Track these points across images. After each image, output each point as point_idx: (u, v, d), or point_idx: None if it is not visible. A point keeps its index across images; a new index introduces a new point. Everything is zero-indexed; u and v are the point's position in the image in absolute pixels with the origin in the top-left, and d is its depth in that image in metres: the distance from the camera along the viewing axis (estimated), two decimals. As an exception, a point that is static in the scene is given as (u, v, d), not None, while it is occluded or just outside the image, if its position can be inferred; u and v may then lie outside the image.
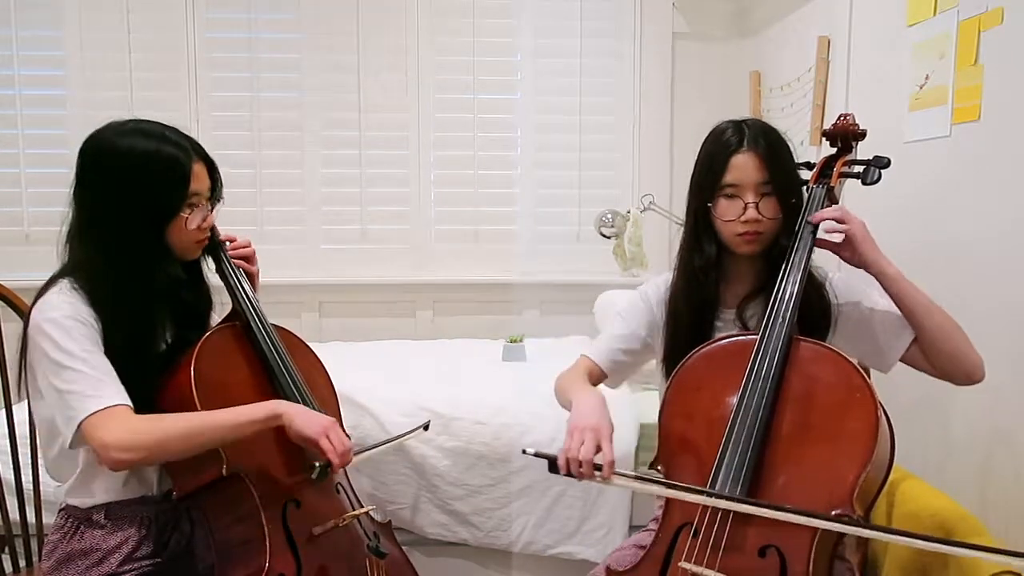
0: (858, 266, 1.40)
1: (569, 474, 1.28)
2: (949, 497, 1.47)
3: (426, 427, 1.77)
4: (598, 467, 1.27)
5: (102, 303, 1.39)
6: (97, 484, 1.43)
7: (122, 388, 1.36)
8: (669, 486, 1.29)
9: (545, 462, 1.30)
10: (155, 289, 1.44)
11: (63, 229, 1.45)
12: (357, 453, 1.53)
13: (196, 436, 1.34)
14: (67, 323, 1.35)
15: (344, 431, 1.50)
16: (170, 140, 1.44)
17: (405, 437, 1.76)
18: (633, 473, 1.29)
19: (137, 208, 1.41)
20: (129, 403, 1.35)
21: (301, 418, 1.40)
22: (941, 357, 1.39)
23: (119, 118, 1.47)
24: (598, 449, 1.28)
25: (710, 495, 1.24)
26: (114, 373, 1.36)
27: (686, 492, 1.26)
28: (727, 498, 1.23)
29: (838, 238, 1.39)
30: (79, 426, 1.31)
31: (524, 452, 1.36)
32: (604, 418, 1.34)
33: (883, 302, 1.45)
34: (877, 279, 1.39)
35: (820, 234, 1.42)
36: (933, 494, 1.48)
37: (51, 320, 1.35)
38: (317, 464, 1.41)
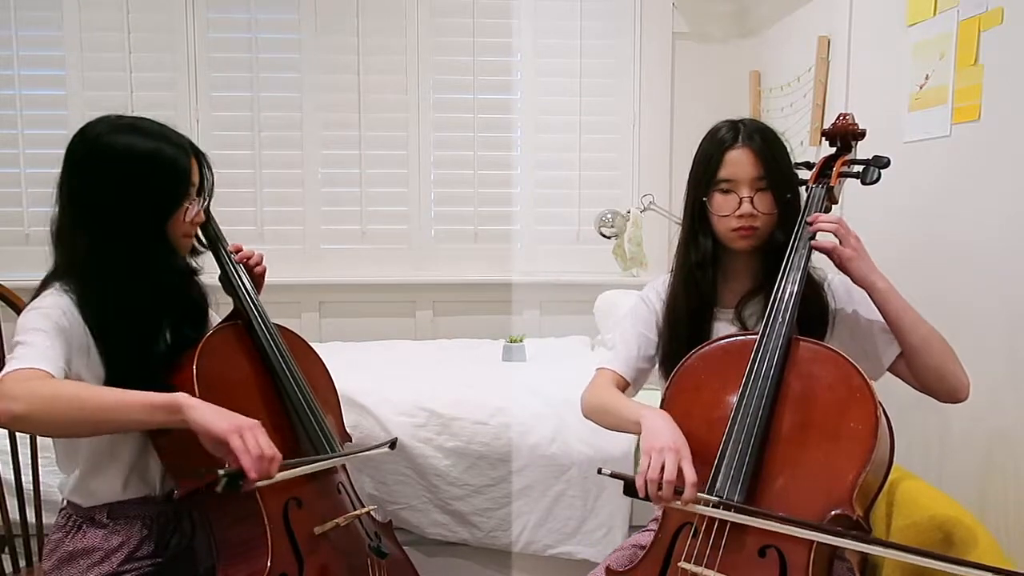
0: (851, 278, 1.39)
1: (647, 497, 1.24)
2: (949, 497, 1.47)
3: (392, 445, 1.68)
4: (678, 490, 1.23)
5: (98, 302, 1.39)
6: (99, 483, 1.43)
7: (54, 359, 1.29)
8: (754, 513, 1.22)
9: (622, 483, 1.27)
10: (158, 284, 1.44)
11: (51, 227, 1.44)
12: (295, 466, 1.40)
13: (80, 404, 1.22)
14: (41, 311, 1.35)
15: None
16: (169, 139, 1.44)
17: (366, 453, 1.72)
18: (715, 498, 1.23)
19: (138, 205, 1.41)
20: (47, 369, 1.26)
21: (206, 413, 1.22)
22: (927, 373, 1.39)
23: (108, 114, 1.46)
24: (679, 471, 1.24)
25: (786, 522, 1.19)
26: (56, 349, 1.30)
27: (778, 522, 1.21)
28: (765, 516, 1.21)
29: (830, 242, 1.38)
30: None
31: (600, 472, 1.31)
32: (682, 438, 1.29)
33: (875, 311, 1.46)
34: (868, 293, 1.38)
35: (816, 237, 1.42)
36: (932, 494, 1.48)
37: (29, 309, 1.36)
38: (222, 471, 1.20)
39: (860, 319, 1.47)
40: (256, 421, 1.26)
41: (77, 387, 1.28)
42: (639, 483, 1.25)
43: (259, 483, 1.23)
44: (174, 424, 1.24)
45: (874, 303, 1.39)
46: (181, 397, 1.24)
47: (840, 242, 1.37)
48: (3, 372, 1.26)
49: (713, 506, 1.25)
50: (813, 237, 1.41)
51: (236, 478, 1.20)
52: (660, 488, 1.23)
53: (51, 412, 1.21)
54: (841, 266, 1.38)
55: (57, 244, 1.44)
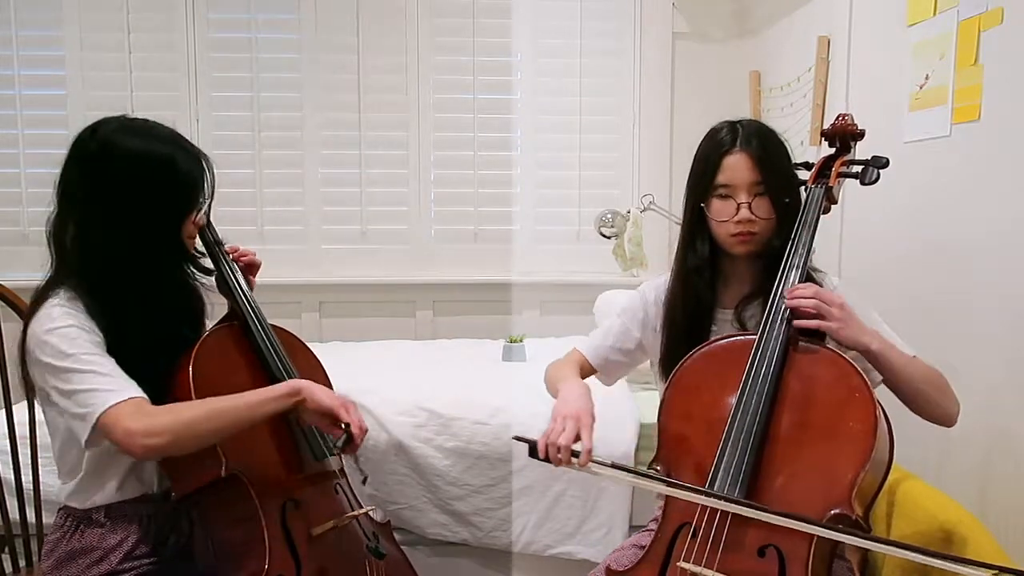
0: (844, 346, 1.35)
1: (547, 459, 1.32)
2: (949, 497, 1.47)
3: (364, 481, 1.74)
4: (577, 454, 1.30)
5: (106, 303, 1.38)
6: (99, 487, 1.43)
7: (134, 383, 1.35)
8: (644, 475, 1.31)
9: (526, 446, 1.35)
10: (170, 286, 1.45)
11: (48, 227, 1.42)
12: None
13: (217, 417, 1.33)
14: (67, 331, 1.34)
15: None
16: (182, 145, 1.44)
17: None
18: (609, 461, 1.31)
19: (156, 208, 1.40)
20: (144, 396, 1.34)
21: (320, 391, 1.41)
22: (916, 409, 1.39)
23: (111, 115, 1.46)
24: (578, 437, 1.31)
25: (688, 489, 1.26)
26: (119, 368, 1.35)
27: (665, 485, 1.29)
28: (705, 493, 1.25)
29: (815, 322, 1.34)
30: (97, 421, 1.29)
31: (514, 438, 1.40)
32: (586, 407, 1.37)
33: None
34: (863, 355, 1.35)
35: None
36: (932, 494, 1.48)
37: (50, 331, 1.34)
38: (342, 426, 1.42)
39: None
40: (350, 399, 1.48)
41: (203, 405, 1.36)
42: (540, 445, 1.32)
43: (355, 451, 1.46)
44: (291, 406, 1.39)
45: (870, 363, 1.36)
46: (297, 383, 1.41)
47: (824, 315, 1.33)
48: (105, 407, 1.29)
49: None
50: (813, 234, 1.40)
51: (348, 438, 1.42)
52: (559, 451, 1.31)
53: (189, 436, 1.32)
54: (830, 335, 1.34)
55: (59, 245, 1.42)
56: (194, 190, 1.44)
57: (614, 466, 1.30)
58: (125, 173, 1.39)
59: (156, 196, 1.40)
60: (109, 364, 1.35)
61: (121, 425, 1.29)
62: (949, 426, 1.40)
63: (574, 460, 1.30)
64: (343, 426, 1.42)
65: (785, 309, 1.35)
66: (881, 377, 1.41)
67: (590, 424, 1.34)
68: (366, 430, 1.46)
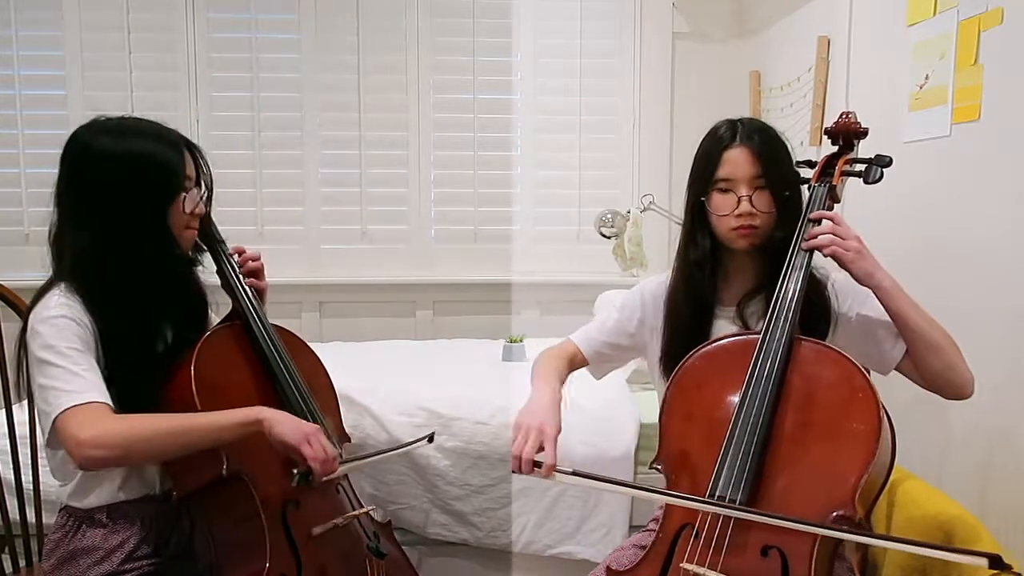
0: (854, 278, 1.38)
1: (518, 470, 1.32)
2: (949, 497, 1.47)
3: (430, 439, 1.72)
4: (540, 464, 1.31)
5: (103, 303, 1.39)
6: (98, 487, 1.43)
7: (103, 386, 1.33)
8: (610, 481, 1.33)
9: None
10: (162, 278, 1.44)
11: (50, 230, 1.44)
12: (349, 461, 1.51)
13: (171, 437, 1.31)
14: (57, 321, 1.34)
15: (330, 437, 1.49)
16: (160, 137, 1.44)
17: (405, 448, 1.74)
18: (570, 469, 1.30)
19: (135, 204, 1.41)
20: (107, 401, 1.32)
21: (281, 425, 1.35)
22: (933, 372, 1.38)
23: (99, 116, 1.47)
24: (541, 448, 1.32)
25: (650, 490, 1.32)
26: (97, 372, 1.34)
27: (629, 488, 1.37)
28: (655, 490, 1.30)
29: (829, 249, 1.37)
30: (54, 422, 1.30)
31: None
32: (550, 419, 1.37)
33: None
34: (873, 292, 1.37)
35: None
36: (933, 494, 1.48)
37: (42, 320, 1.35)
38: (296, 471, 1.36)
39: (865, 318, 1.46)
40: (316, 426, 1.40)
41: (158, 421, 1.33)
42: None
43: (325, 478, 1.38)
44: (251, 433, 1.34)
45: (881, 303, 1.38)
46: (260, 412, 1.35)
47: (838, 247, 1.36)
48: (60, 410, 1.28)
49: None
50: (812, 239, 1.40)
51: (306, 475, 1.36)
52: (521, 462, 1.31)
53: (136, 452, 1.32)
54: (843, 266, 1.38)
55: (58, 247, 1.44)
56: (171, 180, 1.43)
57: (576, 473, 1.30)
58: (104, 174, 1.40)
59: (133, 191, 1.41)
60: (83, 362, 1.33)
61: (70, 431, 1.27)
62: (966, 394, 1.38)
63: (537, 471, 1.30)
64: (295, 470, 1.36)
65: (790, 306, 1.35)
66: (901, 352, 1.40)
67: (553, 436, 1.34)
68: (333, 457, 1.38)
